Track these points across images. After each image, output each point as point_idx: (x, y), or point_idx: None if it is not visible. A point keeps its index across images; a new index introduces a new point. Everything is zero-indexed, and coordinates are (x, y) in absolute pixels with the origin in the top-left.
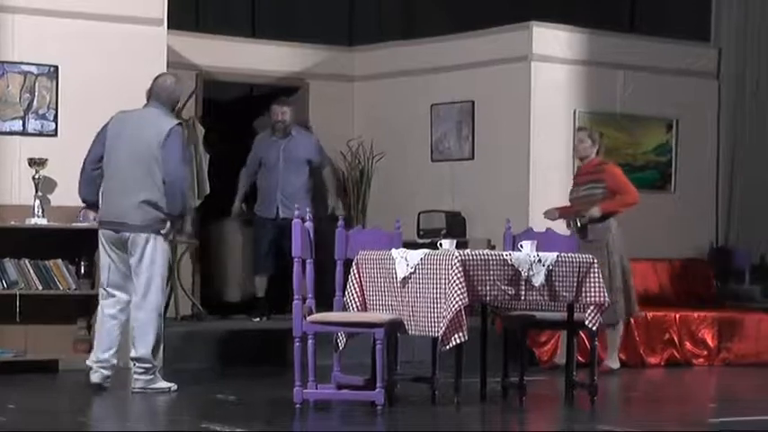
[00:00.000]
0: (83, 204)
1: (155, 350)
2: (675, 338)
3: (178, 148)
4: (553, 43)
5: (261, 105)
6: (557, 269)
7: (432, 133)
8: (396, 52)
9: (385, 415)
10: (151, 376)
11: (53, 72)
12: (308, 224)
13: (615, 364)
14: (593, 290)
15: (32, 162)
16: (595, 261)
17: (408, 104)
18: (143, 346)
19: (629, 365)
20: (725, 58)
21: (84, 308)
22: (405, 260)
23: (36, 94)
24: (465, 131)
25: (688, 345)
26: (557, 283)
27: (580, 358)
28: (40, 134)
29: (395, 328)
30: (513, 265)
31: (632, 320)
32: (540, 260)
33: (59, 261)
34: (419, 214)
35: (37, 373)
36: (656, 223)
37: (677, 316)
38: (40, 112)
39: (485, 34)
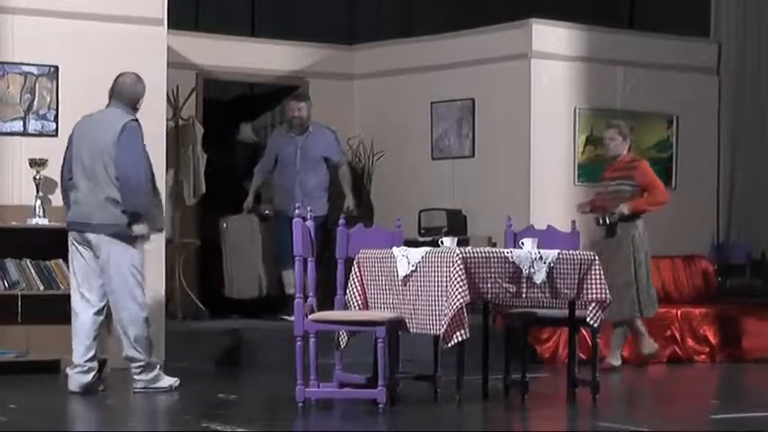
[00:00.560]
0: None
1: (143, 347)
2: (677, 335)
3: (130, 143)
4: (553, 40)
5: (261, 104)
6: (558, 266)
7: (432, 131)
8: (395, 50)
9: (387, 413)
10: (151, 374)
11: (53, 72)
12: (309, 223)
13: (617, 361)
14: (594, 287)
15: (33, 162)
16: (596, 258)
17: (408, 102)
18: (128, 344)
19: (631, 362)
20: (725, 54)
21: None
22: (406, 258)
23: (36, 94)
24: (465, 129)
25: (690, 341)
26: (558, 281)
27: (581, 355)
28: (41, 135)
29: (396, 327)
30: (514, 262)
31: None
32: (541, 257)
33: (60, 261)
34: (420, 212)
35: (38, 374)
36: (658, 220)
37: (679, 312)
38: (41, 112)
39: (484, 32)
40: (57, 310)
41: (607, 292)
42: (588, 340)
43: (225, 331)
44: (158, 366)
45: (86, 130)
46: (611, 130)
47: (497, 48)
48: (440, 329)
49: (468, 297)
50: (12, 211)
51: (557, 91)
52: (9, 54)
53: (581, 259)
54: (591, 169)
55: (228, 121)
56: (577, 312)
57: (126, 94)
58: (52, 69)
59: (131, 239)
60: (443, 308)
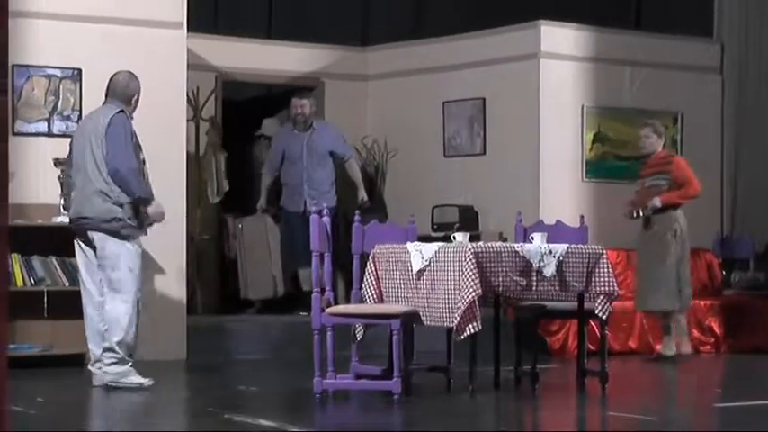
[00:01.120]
0: None
1: (125, 345)
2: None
3: (115, 134)
4: (561, 41)
5: (278, 105)
6: (567, 260)
7: (444, 130)
8: (408, 52)
9: (402, 403)
10: (121, 368)
11: (77, 75)
12: (326, 219)
13: (687, 350)
14: (602, 280)
15: (57, 162)
16: (605, 251)
17: (421, 102)
18: (111, 336)
19: (639, 353)
20: (727, 53)
21: None
22: (420, 253)
23: (60, 96)
24: (476, 128)
25: (695, 332)
26: (567, 274)
27: (590, 346)
28: (65, 135)
29: (411, 320)
30: (524, 256)
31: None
32: (550, 251)
33: None
34: (433, 209)
35: (63, 367)
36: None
37: None
38: (65, 113)
39: (495, 33)
40: (81, 305)
41: (614, 284)
42: (597, 332)
43: (245, 326)
44: (130, 364)
45: (81, 128)
46: (647, 128)
47: (507, 48)
48: (453, 322)
49: (479, 290)
50: (37, 209)
51: (565, 90)
52: (34, 57)
53: (589, 253)
54: (598, 166)
55: (247, 120)
56: (586, 305)
57: (119, 90)
58: (76, 72)
59: (125, 236)
60: (456, 301)
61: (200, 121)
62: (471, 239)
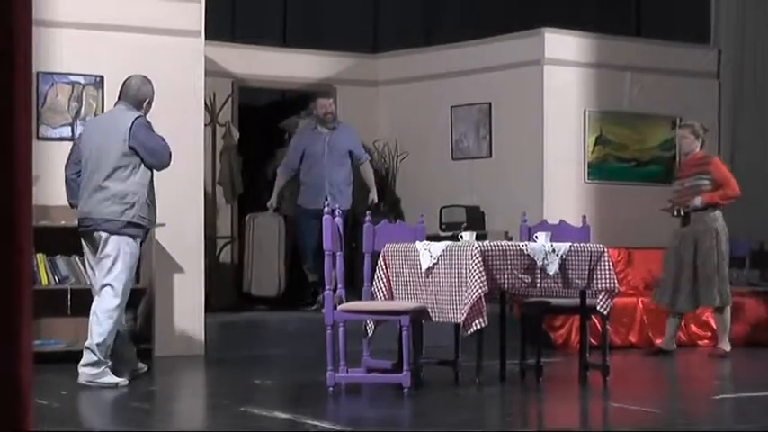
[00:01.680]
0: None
1: (104, 344)
2: (681, 322)
3: (145, 133)
4: (564, 48)
5: (292, 110)
6: (570, 258)
7: (452, 133)
8: (417, 58)
9: (411, 396)
10: (97, 370)
11: (99, 82)
12: (338, 219)
13: (727, 347)
14: (603, 277)
15: None
16: (606, 250)
17: (429, 107)
18: (92, 337)
19: (639, 347)
20: (724, 59)
21: (130, 300)
22: (428, 252)
23: (83, 102)
24: (483, 131)
25: (693, 327)
26: (570, 272)
27: (592, 341)
28: None
29: (420, 316)
30: (528, 255)
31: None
32: (554, 250)
33: None
34: (441, 209)
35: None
36: (663, 214)
37: None
38: (87, 119)
39: (500, 40)
40: None
41: (615, 281)
42: (599, 327)
43: (260, 323)
44: (107, 365)
45: (95, 129)
46: (685, 129)
47: (512, 55)
48: (460, 318)
49: (486, 287)
50: (61, 211)
51: (568, 95)
52: (58, 65)
53: (591, 251)
54: (600, 168)
55: (262, 125)
56: (588, 301)
57: (132, 93)
58: (98, 79)
59: (130, 235)
60: (463, 298)
61: (217, 125)
62: (478, 238)
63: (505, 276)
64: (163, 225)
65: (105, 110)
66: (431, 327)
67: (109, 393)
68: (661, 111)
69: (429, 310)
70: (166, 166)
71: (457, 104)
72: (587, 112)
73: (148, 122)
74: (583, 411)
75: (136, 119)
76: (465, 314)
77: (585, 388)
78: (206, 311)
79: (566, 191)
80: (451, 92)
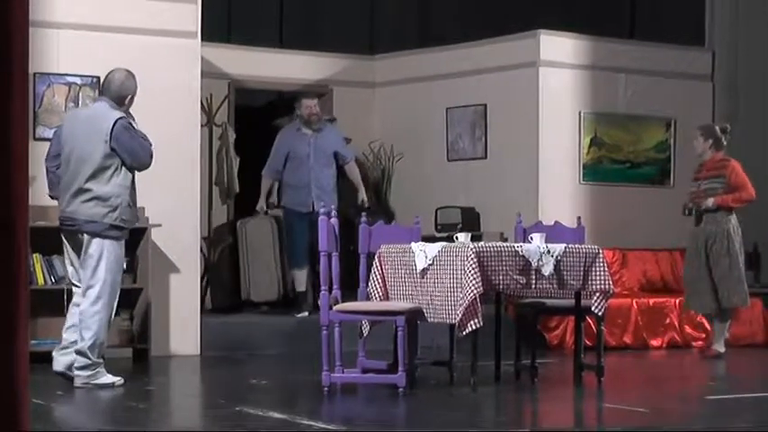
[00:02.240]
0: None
1: (94, 346)
2: (676, 322)
3: (126, 135)
4: (559, 50)
5: (288, 111)
6: (564, 259)
7: (447, 135)
8: (413, 60)
9: (407, 396)
10: (91, 372)
11: (95, 82)
12: (334, 220)
13: (722, 348)
14: (598, 278)
15: None
16: (601, 251)
17: (425, 108)
18: (82, 339)
19: (634, 348)
20: (718, 61)
21: (126, 301)
22: (423, 253)
23: (80, 103)
24: (478, 133)
25: (687, 328)
26: (564, 273)
27: (587, 342)
28: None
29: (415, 316)
30: (523, 256)
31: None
32: (548, 251)
33: None
34: (436, 210)
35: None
36: (657, 215)
37: (677, 301)
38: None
39: (495, 42)
40: None
41: (610, 282)
42: (593, 328)
43: (256, 323)
44: (101, 365)
45: (77, 125)
46: (696, 130)
47: (508, 57)
48: (455, 318)
49: (481, 288)
50: (57, 211)
51: (563, 96)
52: (55, 66)
53: (586, 252)
54: (594, 169)
55: (259, 126)
56: (583, 302)
57: (114, 89)
58: (94, 80)
59: (112, 237)
60: (458, 298)
61: (214, 126)
62: (473, 239)
63: (500, 277)
64: (159, 225)
65: None
66: (426, 327)
67: (105, 393)
68: (655, 112)
69: (424, 310)
70: (147, 166)
71: (452, 106)
72: (582, 114)
73: (130, 123)
74: (577, 412)
75: (117, 120)
76: (460, 315)
77: (580, 389)
78: (202, 312)
79: (561, 192)
80: (447, 93)
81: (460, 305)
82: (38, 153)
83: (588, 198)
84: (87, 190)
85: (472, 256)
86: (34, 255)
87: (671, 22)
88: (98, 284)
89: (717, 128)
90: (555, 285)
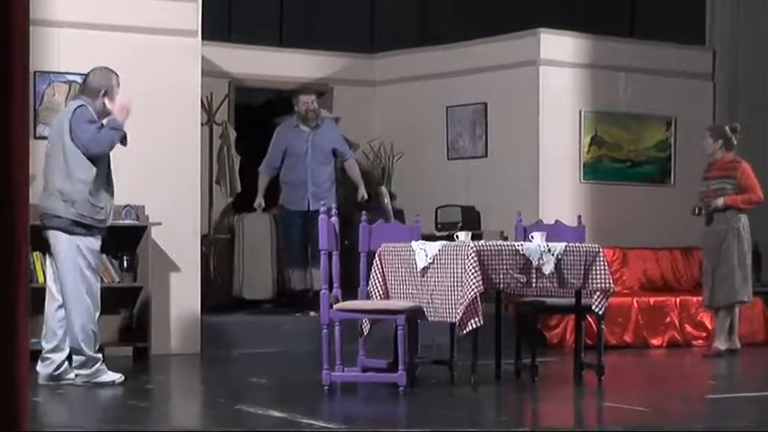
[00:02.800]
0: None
1: (87, 342)
2: (676, 321)
3: (79, 124)
4: (559, 48)
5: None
6: (565, 258)
7: (447, 133)
8: (413, 58)
9: (407, 395)
10: (90, 370)
11: None
12: (334, 219)
13: (722, 346)
14: (599, 277)
15: None
16: (601, 250)
17: (425, 107)
18: (70, 338)
19: (634, 347)
20: (719, 60)
21: (126, 299)
22: (424, 251)
23: None
24: (478, 131)
25: (688, 327)
26: (565, 271)
27: (587, 340)
28: None
29: (415, 315)
30: (524, 254)
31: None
32: (549, 250)
33: (104, 256)
34: (437, 209)
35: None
36: (658, 214)
37: (677, 300)
38: None
39: (496, 41)
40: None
41: (610, 281)
42: (594, 326)
43: (257, 322)
44: (100, 361)
45: (53, 126)
46: (706, 130)
47: (508, 55)
48: (455, 317)
49: (481, 287)
50: None
51: (563, 95)
52: (55, 64)
53: (586, 251)
54: (595, 168)
55: (259, 124)
56: (583, 301)
57: (86, 85)
58: None
59: (75, 233)
60: (459, 297)
61: (214, 125)
62: (473, 238)
63: (501, 276)
64: (159, 224)
65: None
66: (426, 326)
67: (105, 391)
68: (656, 111)
69: (424, 309)
70: (106, 151)
71: (452, 104)
72: (582, 113)
73: (89, 111)
74: (577, 411)
75: (75, 109)
76: (460, 313)
77: (580, 387)
78: (202, 310)
79: (561, 191)
80: (447, 92)
81: (461, 304)
82: (38, 152)
83: (589, 197)
84: (53, 184)
85: (473, 254)
86: (34, 253)
87: (671, 21)
88: (69, 281)
89: (727, 128)
90: (555, 284)
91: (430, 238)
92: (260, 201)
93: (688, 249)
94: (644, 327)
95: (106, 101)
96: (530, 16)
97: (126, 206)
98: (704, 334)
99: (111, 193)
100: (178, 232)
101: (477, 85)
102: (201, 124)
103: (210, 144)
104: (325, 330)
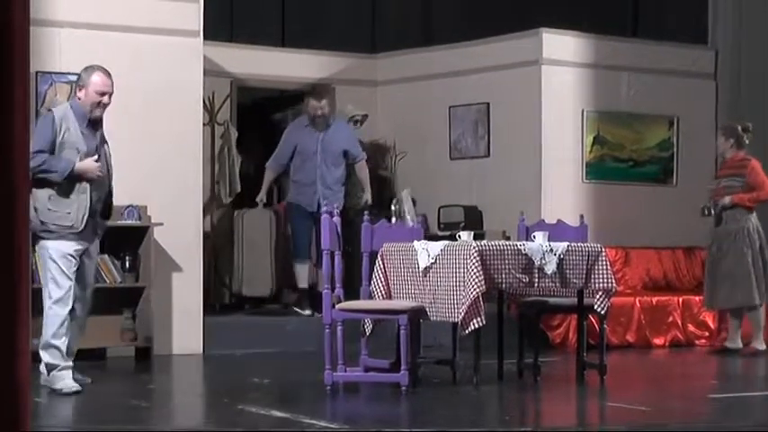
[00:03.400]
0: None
1: (47, 346)
2: (679, 321)
3: (35, 133)
4: (562, 48)
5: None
6: (567, 258)
7: (450, 133)
8: (415, 58)
9: (409, 395)
10: (49, 377)
11: None
12: (336, 219)
13: (761, 346)
14: (601, 276)
15: None
16: (603, 249)
17: (428, 107)
18: (41, 339)
19: (636, 346)
20: (721, 60)
21: (129, 299)
22: (426, 251)
23: None
24: (481, 131)
25: (690, 327)
26: (567, 271)
27: (590, 340)
28: None
29: (418, 315)
30: (526, 254)
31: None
32: (551, 250)
33: (106, 257)
34: (439, 209)
35: (86, 361)
36: (660, 214)
37: (680, 300)
38: None
39: (498, 40)
40: (103, 302)
41: (613, 281)
42: (596, 326)
43: (258, 321)
44: (58, 368)
45: None
46: (719, 130)
47: (510, 55)
48: (458, 317)
49: (483, 287)
50: None
51: (566, 95)
52: (57, 64)
53: (589, 251)
54: (597, 167)
55: (260, 125)
56: (586, 300)
57: (77, 84)
58: None
59: (46, 236)
60: (461, 297)
61: (216, 125)
62: (476, 238)
63: (503, 276)
64: (161, 224)
65: None
66: (429, 326)
67: (107, 391)
68: (658, 111)
69: (427, 309)
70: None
71: (455, 104)
72: (585, 112)
73: (46, 117)
74: (580, 410)
75: (45, 113)
76: (463, 313)
77: (583, 387)
78: (205, 309)
79: (563, 191)
80: (450, 92)
81: (463, 304)
82: None
83: (591, 196)
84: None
85: (475, 254)
86: (36, 254)
87: (674, 21)
88: (46, 285)
89: (739, 127)
90: (558, 284)
91: (432, 237)
92: (262, 196)
93: (690, 249)
94: (646, 326)
95: (81, 94)
96: (532, 16)
97: (128, 206)
98: (707, 333)
99: (86, 198)
100: (180, 232)
101: (479, 84)
102: (203, 124)
103: (212, 144)
104: (327, 330)
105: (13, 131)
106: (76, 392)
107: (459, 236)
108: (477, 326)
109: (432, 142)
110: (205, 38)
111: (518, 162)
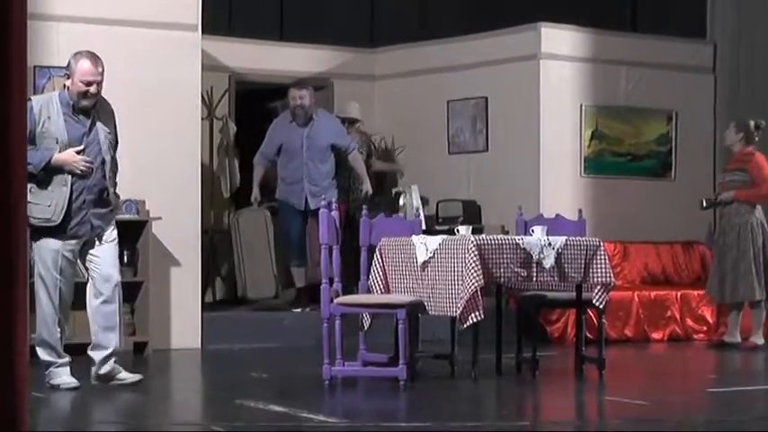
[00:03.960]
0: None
1: (42, 341)
2: (677, 315)
3: None
4: (560, 42)
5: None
6: (565, 252)
7: (448, 128)
8: (414, 53)
9: (408, 389)
10: (47, 371)
11: None
12: (334, 213)
13: (760, 340)
14: (599, 270)
15: None
16: (602, 244)
17: (426, 101)
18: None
19: (635, 341)
20: (720, 54)
21: (127, 294)
22: (424, 245)
23: None
24: (479, 126)
25: (689, 321)
26: (566, 265)
27: (588, 334)
28: None
29: (416, 309)
30: (525, 248)
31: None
32: (550, 244)
33: None
34: (438, 203)
35: (84, 355)
36: (658, 208)
37: (678, 294)
38: None
39: (496, 35)
40: None
41: (611, 275)
42: (594, 320)
43: (256, 316)
44: (54, 365)
45: None
46: (731, 122)
47: (508, 49)
48: (456, 311)
49: (482, 281)
50: None
51: (564, 89)
52: (55, 58)
53: (587, 245)
54: (596, 162)
55: (259, 119)
56: (584, 295)
57: (65, 72)
58: None
59: (32, 236)
60: (459, 291)
61: (214, 119)
62: (474, 232)
63: (501, 270)
64: (159, 218)
65: None
66: (427, 320)
67: (104, 386)
68: (657, 105)
69: (425, 303)
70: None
71: (453, 99)
72: (583, 107)
73: (27, 106)
74: (578, 405)
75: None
76: (461, 308)
77: (581, 381)
78: (203, 305)
79: (562, 185)
80: (448, 86)
81: (461, 298)
82: None
83: (589, 191)
84: None
85: (473, 248)
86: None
87: (672, 15)
88: (36, 281)
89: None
90: (556, 278)
91: (431, 232)
92: (256, 194)
93: (689, 243)
94: (645, 321)
95: (68, 83)
96: (530, 10)
97: (126, 201)
98: (705, 328)
99: (67, 190)
100: (179, 227)
101: (477, 79)
102: (202, 119)
103: (211, 138)
104: (325, 325)
105: (10, 128)
106: (75, 388)
107: (458, 230)
108: (475, 320)
109: (430, 137)
110: (203, 32)
111: (516, 156)
